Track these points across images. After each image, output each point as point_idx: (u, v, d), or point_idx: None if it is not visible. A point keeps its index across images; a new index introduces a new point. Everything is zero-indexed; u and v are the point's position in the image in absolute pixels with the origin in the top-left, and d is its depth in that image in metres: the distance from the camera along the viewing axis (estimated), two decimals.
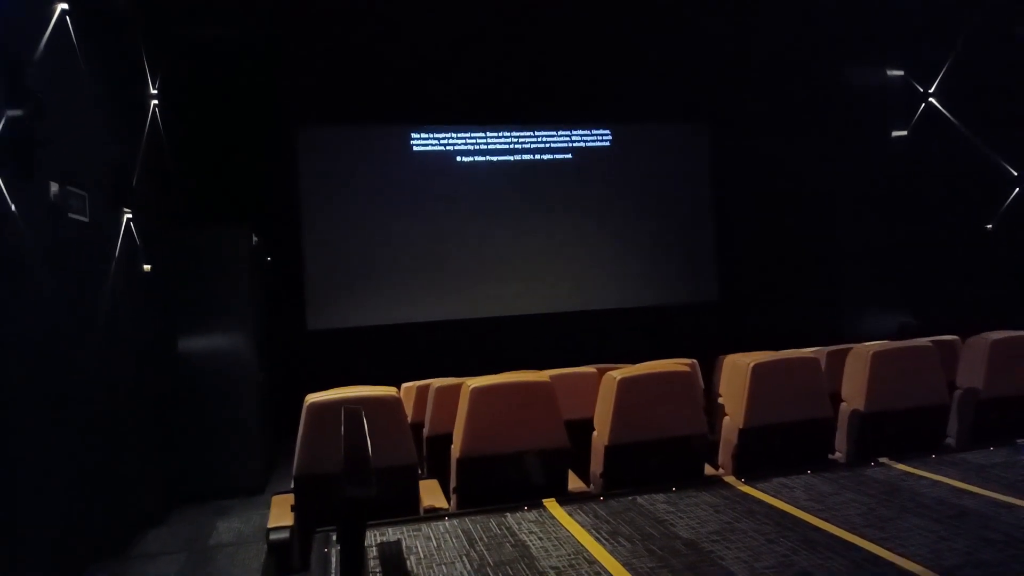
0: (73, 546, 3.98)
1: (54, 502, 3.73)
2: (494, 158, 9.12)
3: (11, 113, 3.40)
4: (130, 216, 5.14)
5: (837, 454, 3.61)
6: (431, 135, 8.96)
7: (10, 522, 3.29)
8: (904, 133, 7.68)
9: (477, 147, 9.07)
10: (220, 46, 7.51)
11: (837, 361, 3.85)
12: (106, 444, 4.49)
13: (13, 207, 3.44)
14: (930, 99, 7.34)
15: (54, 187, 3.92)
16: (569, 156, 9.32)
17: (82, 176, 4.32)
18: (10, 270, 3.44)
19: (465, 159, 9.03)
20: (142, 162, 5.55)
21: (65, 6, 4.16)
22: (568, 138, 9.34)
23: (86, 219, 4.35)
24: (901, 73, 7.69)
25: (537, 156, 9.24)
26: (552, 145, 9.29)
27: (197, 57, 7.35)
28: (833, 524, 2.48)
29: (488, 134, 9.10)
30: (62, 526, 3.82)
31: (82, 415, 4.16)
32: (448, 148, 8.99)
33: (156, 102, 6.01)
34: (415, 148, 8.89)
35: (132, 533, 4.92)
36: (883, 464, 3.14)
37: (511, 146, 9.17)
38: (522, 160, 9.19)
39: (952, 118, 7.13)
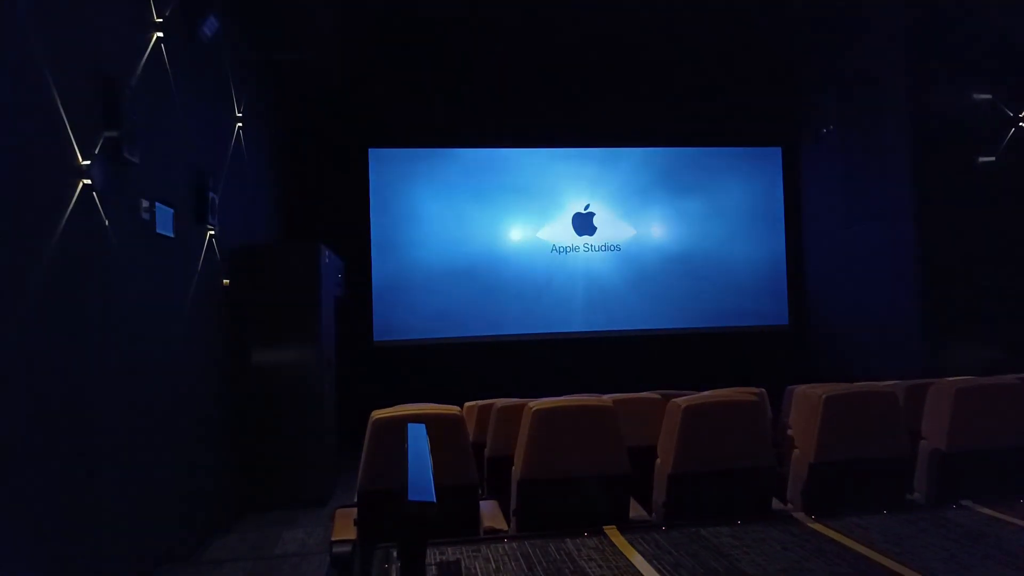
0: (147, 547, 4.14)
1: (133, 504, 3.90)
2: (561, 179, 9.14)
3: (108, 134, 3.64)
4: (212, 232, 5.37)
5: (915, 494, 3.44)
6: (498, 156, 9.06)
7: (93, 519, 3.45)
8: (992, 159, 7.33)
9: (544, 168, 9.12)
10: (298, 71, 7.82)
11: (917, 396, 3.69)
12: (182, 451, 4.68)
13: (107, 222, 3.65)
14: (1021, 124, 6.99)
15: (144, 204, 4.15)
16: (637, 176, 9.27)
17: (170, 193, 4.55)
18: (102, 281, 3.64)
19: (532, 180, 9.08)
20: (225, 180, 5.81)
21: (160, 34, 4.42)
22: (636, 158, 9.29)
23: (172, 234, 4.57)
24: (988, 97, 7.36)
25: (606, 176, 9.22)
26: (621, 165, 9.25)
27: (277, 81, 7.68)
28: (911, 568, 2.35)
29: (554, 155, 9.15)
30: (138, 526, 3.98)
31: (162, 422, 4.35)
32: (515, 170, 9.07)
33: (240, 124, 6.30)
34: (481, 169, 9.01)
35: (201, 539, 5.09)
36: (965, 507, 2.97)
37: (578, 167, 9.18)
38: (589, 180, 9.18)
39: None
